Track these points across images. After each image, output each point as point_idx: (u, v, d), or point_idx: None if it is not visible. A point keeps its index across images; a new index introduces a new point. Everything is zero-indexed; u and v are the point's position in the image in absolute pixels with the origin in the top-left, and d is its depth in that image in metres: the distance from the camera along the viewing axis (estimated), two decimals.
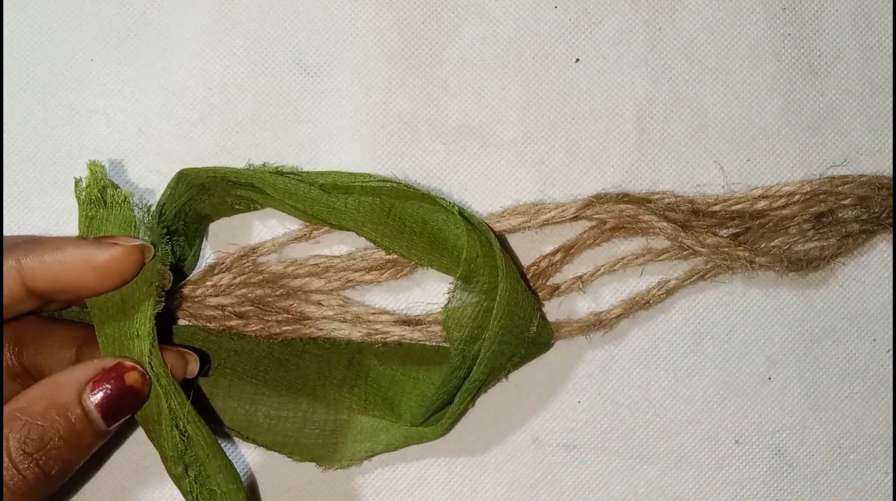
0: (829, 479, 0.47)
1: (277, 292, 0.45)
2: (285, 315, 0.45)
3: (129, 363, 0.38)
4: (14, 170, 0.47)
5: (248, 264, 0.46)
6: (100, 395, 0.37)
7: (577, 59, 0.48)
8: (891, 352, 0.47)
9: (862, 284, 0.47)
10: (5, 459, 0.35)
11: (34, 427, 0.35)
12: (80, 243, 0.38)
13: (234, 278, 0.45)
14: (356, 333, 0.45)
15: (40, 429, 0.35)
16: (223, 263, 0.46)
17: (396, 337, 0.45)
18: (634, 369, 0.47)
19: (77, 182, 0.39)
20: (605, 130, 0.48)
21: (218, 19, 0.48)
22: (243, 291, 0.45)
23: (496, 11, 0.48)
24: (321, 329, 0.45)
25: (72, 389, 0.36)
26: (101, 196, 0.39)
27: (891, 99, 0.47)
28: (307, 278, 0.45)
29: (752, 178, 0.47)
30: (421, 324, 0.45)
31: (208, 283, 0.45)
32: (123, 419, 0.38)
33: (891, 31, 0.48)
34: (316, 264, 0.46)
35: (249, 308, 0.45)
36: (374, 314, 0.45)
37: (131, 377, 0.37)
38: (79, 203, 0.39)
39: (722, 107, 0.48)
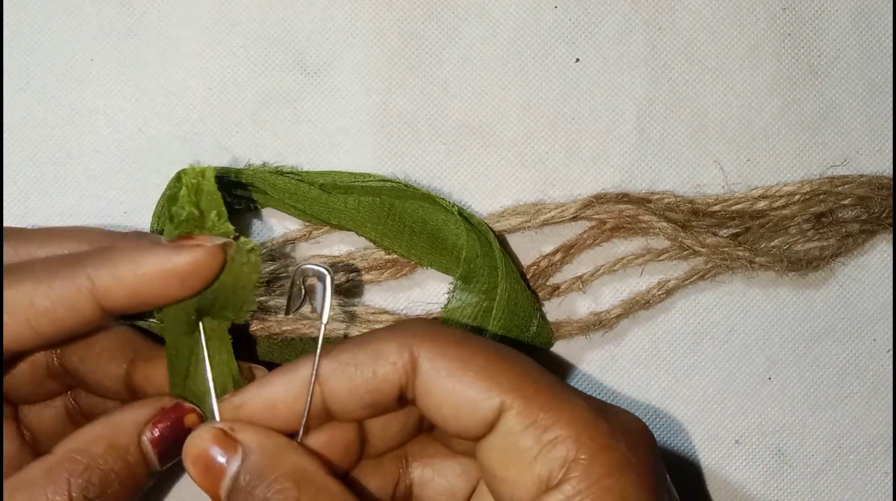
0: (829, 479, 0.47)
1: (277, 293, 0.45)
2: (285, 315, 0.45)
3: (188, 406, 0.36)
4: (14, 170, 0.47)
5: None
6: (157, 435, 0.35)
7: (577, 60, 0.48)
8: (891, 352, 0.47)
9: (862, 284, 0.47)
10: None
11: (96, 472, 0.34)
12: (156, 248, 0.35)
13: None
14: (355, 332, 0.45)
15: (101, 473, 0.34)
16: None
17: None
18: (634, 369, 0.47)
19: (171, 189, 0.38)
20: (605, 130, 0.48)
21: (218, 19, 0.48)
22: None
23: (496, 11, 0.48)
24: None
25: (132, 431, 0.35)
26: (198, 216, 0.36)
27: (891, 99, 0.47)
28: None
29: (751, 178, 0.47)
30: None
31: None
32: (176, 460, 0.36)
33: (891, 31, 0.48)
34: None
35: None
36: (373, 313, 0.45)
37: (190, 420, 0.36)
38: (170, 216, 0.37)
39: (722, 107, 0.48)
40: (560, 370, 0.47)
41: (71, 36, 0.48)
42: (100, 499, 0.34)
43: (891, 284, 0.47)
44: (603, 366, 0.47)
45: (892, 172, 0.47)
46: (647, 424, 0.46)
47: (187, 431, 0.35)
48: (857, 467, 0.47)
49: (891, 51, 0.48)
